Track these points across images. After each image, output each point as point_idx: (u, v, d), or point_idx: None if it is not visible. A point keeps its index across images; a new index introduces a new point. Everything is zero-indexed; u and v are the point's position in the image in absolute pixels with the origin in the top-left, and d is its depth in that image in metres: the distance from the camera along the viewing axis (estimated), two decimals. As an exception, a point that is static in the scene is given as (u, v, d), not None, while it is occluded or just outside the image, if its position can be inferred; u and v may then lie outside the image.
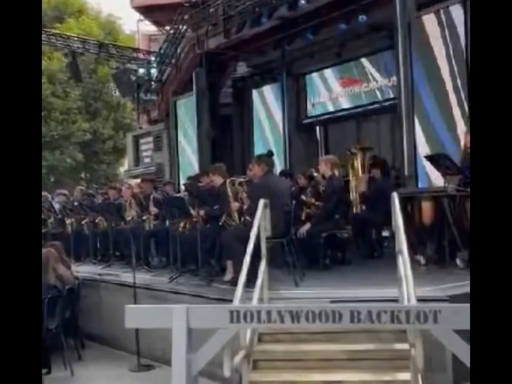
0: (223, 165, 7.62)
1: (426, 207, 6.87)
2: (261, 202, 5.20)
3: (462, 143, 6.96)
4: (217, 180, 7.28)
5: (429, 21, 8.59)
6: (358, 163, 8.36)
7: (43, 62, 23.00)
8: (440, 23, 8.45)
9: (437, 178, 7.46)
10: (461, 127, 7.79)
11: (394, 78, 10.61)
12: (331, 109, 13.07)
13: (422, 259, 6.88)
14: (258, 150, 13.38)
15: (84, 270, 8.76)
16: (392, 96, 11.30)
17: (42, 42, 15.56)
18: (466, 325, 2.80)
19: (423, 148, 8.47)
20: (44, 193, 12.10)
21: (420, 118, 8.60)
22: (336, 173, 7.92)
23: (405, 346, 4.40)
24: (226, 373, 3.73)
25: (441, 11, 8.46)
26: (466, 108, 7.96)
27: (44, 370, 6.04)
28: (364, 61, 12.21)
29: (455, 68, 8.19)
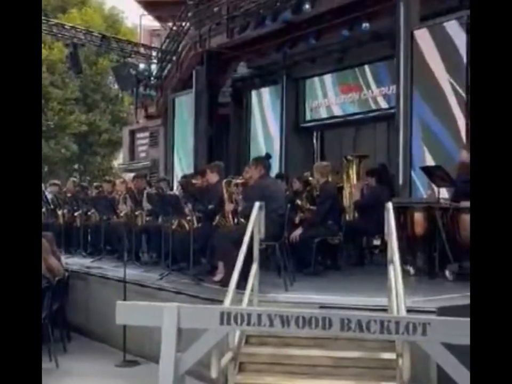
0: (222, 164, 7.64)
1: (419, 217, 6.89)
2: (256, 204, 5.19)
3: (460, 156, 6.99)
4: (213, 178, 7.28)
5: (425, 34, 8.64)
6: (353, 171, 8.37)
7: (43, 51, 22.94)
8: (435, 37, 8.49)
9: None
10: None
11: (392, 87, 10.64)
12: (329, 114, 13.06)
13: (411, 269, 6.90)
14: (254, 151, 13.35)
15: (73, 262, 8.73)
16: (389, 105, 11.31)
17: (44, 31, 15.52)
18: (455, 338, 2.83)
19: (427, 158, 8.49)
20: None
21: (421, 128, 8.62)
22: (331, 179, 7.94)
23: (392, 356, 4.41)
24: (214, 374, 3.72)
25: (436, 27, 8.50)
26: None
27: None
28: (364, 68, 12.20)
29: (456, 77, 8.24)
